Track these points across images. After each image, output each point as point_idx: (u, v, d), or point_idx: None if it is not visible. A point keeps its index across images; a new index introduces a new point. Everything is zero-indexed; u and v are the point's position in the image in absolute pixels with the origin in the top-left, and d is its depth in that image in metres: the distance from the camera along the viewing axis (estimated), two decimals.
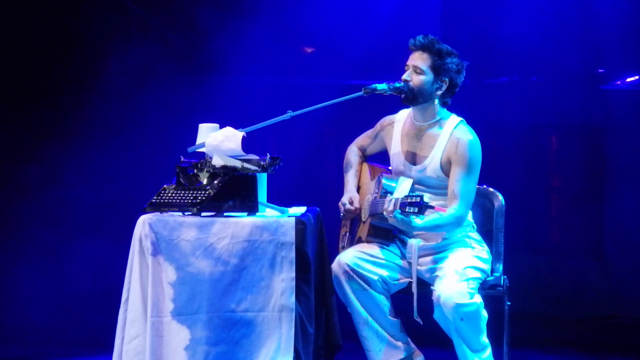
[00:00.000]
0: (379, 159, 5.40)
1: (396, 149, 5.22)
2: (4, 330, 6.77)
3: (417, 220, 4.84)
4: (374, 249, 5.11)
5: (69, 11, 7.45)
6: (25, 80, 7.49)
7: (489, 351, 4.99)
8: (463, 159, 5.04)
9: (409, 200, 4.73)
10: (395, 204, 4.78)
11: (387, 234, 5.12)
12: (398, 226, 4.89)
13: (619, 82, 7.46)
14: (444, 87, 5.10)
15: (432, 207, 4.76)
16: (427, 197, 4.77)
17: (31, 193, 7.45)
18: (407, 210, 4.72)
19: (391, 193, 4.92)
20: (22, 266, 7.33)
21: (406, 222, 4.81)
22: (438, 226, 5.00)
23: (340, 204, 5.24)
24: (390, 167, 5.28)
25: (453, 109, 5.19)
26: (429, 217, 4.92)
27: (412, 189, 4.91)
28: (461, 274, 4.94)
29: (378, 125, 5.36)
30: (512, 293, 5.20)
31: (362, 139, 5.43)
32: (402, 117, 5.28)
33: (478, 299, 4.92)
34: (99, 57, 7.48)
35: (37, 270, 7.33)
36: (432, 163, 5.10)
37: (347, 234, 5.33)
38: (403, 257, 5.16)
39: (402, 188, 4.92)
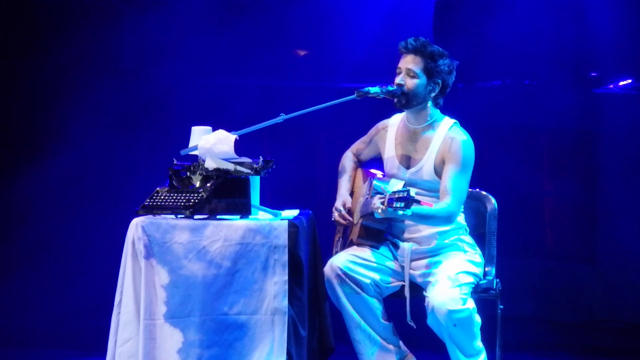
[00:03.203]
0: (374, 166, 5.39)
1: (390, 153, 5.20)
2: None
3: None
4: (366, 252, 5.10)
5: (63, 11, 7.46)
6: (23, 82, 7.49)
7: (483, 356, 4.98)
8: (456, 157, 5.02)
9: (396, 196, 4.71)
10: (383, 201, 4.75)
11: (378, 235, 5.09)
12: (389, 216, 4.82)
13: (611, 86, 7.47)
14: (437, 89, 5.09)
15: (418, 202, 4.71)
16: (413, 191, 4.72)
17: (25, 197, 7.44)
18: (394, 205, 4.69)
19: (382, 194, 4.89)
20: (12, 269, 7.32)
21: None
22: (429, 216, 4.92)
23: (334, 209, 5.22)
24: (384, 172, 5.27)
25: (446, 111, 5.18)
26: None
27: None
28: (454, 280, 4.93)
29: (373, 130, 5.35)
30: (504, 296, 5.19)
31: (357, 145, 5.41)
32: (396, 122, 5.26)
33: (471, 304, 4.91)
34: (91, 58, 7.48)
35: (29, 273, 7.32)
36: (426, 165, 5.08)
37: (340, 239, 5.32)
38: (395, 259, 5.15)
39: (393, 189, 4.90)
